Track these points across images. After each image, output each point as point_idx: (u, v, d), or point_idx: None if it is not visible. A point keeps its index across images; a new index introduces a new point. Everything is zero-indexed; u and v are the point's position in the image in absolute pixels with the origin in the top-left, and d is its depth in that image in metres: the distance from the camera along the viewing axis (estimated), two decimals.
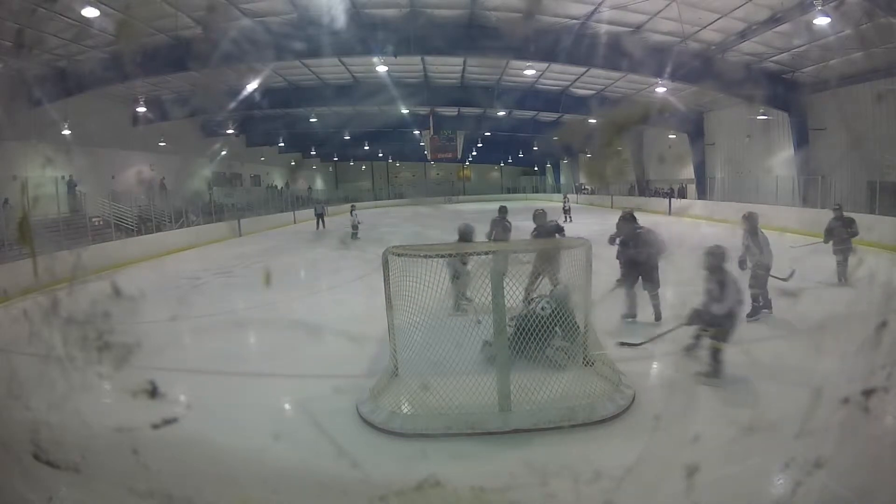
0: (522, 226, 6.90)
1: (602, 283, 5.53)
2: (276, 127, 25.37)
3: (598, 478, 2.80)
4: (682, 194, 23.11)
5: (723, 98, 18.21)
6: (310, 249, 15.54)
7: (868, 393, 2.24)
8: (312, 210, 22.46)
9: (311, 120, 23.53)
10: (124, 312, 5.29)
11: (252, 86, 16.81)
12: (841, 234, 7.59)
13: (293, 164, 35.17)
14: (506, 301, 4.01)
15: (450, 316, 5.36)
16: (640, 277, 6.02)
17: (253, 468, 3.25)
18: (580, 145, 27.78)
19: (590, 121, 21.63)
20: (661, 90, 16.98)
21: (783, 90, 15.49)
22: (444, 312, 4.51)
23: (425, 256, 4.35)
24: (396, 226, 20.67)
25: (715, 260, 4.55)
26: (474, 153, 35.57)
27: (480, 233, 7.10)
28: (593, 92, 20.58)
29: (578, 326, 4.67)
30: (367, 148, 33.11)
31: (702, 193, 21.21)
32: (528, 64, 17.29)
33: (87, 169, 15.95)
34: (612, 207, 24.39)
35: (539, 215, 6.75)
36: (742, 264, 6.01)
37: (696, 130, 21.15)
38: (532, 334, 4.42)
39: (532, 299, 5.08)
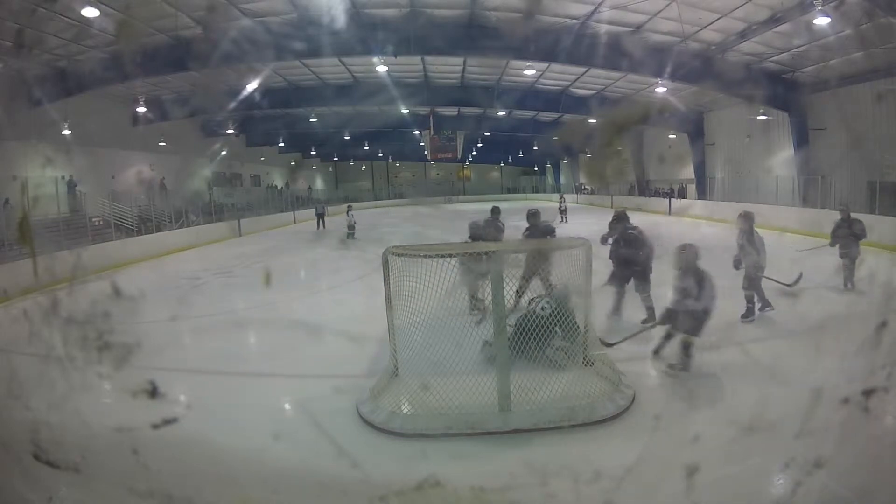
0: (521, 226, 6.87)
1: (601, 283, 5.53)
2: (276, 127, 25.37)
3: (598, 478, 2.80)
4: (682, 194, 23.11)
5: (723, 98, 18.20)
6: (310, 249, 15.54)
7: (868, 393, 2.24)
8: (313, 210, 22.48)
9: (311, 120, 23.53)
10: (124, 312, 5.30)
11: (252, 86, 16.80)
12: (847, 237, 7.22)
13: (293, 164, 35.17)
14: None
15: (467, 316, 5.30)
16: (631, 278, 5.97)
17: (253, 468, 3.25)
18: (580, 145, 27.78)
19: (590, 121, 21.63)
20: (661, 90, 16.98)
21: (783, 90, 15.49)
22: (444, 312, 4.50)
23: (425, 256, 4.35)
24: (396, 226, 20.67)
25: (687, 258, 4.58)
26: (474, 153, 35.56)
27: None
28: (593, 92, 20.57)
29: (578, 326, 4.67)
30: (367, 148, 33.10)
31: (702, 193, 21.21)
32: (528, 64, 17.29)
33: (87, 169, 15.95)
34: (611, 207, 24.34)
35: (533, 215, 6.73)
36: (737, 264, 6.00)
37: (696, 130, 21.15)
38: (532, 334, 4.42)
39: (531, 299, 5.08)
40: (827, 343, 4.76)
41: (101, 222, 15.06)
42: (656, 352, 4.87)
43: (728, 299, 5.99)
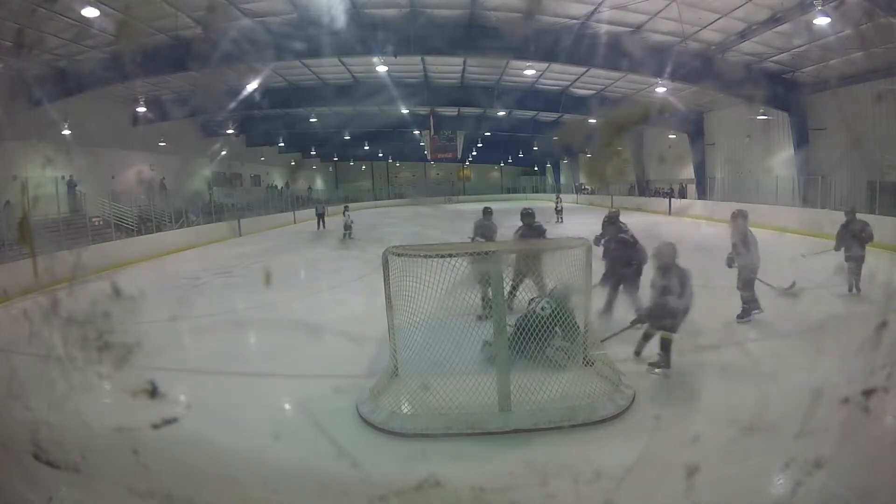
0: (515, 225, 6.84)
1: (593, 283, 5.51)
2: (276, 127, 25.36)
3: (598, 478, 2.80)
4: (683, 194, 23.11)
5: (723, 98, 18.20)
6: (310, 249, 15.55)
7: (868, 393, 2.24)
8: (313, 210, 22.48)
9: (311, 120, 23.52)
10: (124, 312, 5.29)
11: (252, 86, 16.80)
12: (851, 242, 6.93)
13: (293, 164, 35.16)
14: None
15: (467, 316, 5.28)
16: (621, 281, 5.91)
17: (253, 468, 3.25)
18: (580, 145, 27.78)
19: (590, 121, 21.63)
20: (661, 90, 16.97)
21: (783, 90, 15.48)
22: (445, 312, 4.50)
23: (425, 256, 4.35)
24: (396, 226, 20.67)
25: (665, 258, 4.59)
26: (474, 153, 35.54)
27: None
28: (593, 92, 20.57)
29: (578, 326, 4.67)
30: (367, 148, 33.08)
31: (702, 193, 21.20)
32: (528, 64, 17.28)
33: (87, 169, 15.95)
34: (611, 207, 24.33)
35: (527, 215, 6.71)
36: (730, 262, 5.98)
37: (696, 130, 21.15)
38: (532, 334, 4.42)
39: (531, 300, 5.08)
40: (827, 343, 4.76)
41: (101, 222, 15.06)
42: (637, 353, 4.90)
43: (728, 300, 6.02)
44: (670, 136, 23.60)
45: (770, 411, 3.52)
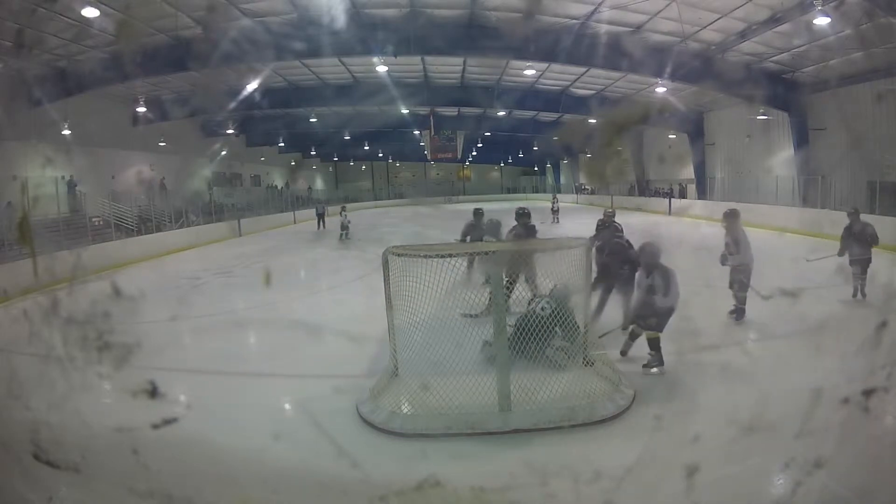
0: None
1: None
2: (276, 127, 25.36)
3: (598, 478, 2.80)
4: (683, 194, 23.12)
5: (723, 98, 18.20)
6: (310, 249, 15.55)
7: (868, 393, 2.24)
8: (313, 210, 22.48)
9: (311, 120, 23.52)
10: (124, 312, 5.29)
11: (252, 86, 16.80)
12: (854, 244, 6.71)
13: (293, 164, 35.15)
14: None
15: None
16: (613, 285, 5.82)
17: (253, 468, 3.25)
18: (580, 145, 27.75)
19: (590, 121, 21.62)
20: (661, 90, 16.98)
21: (783, 90, 15.48)
22: (445, 312, 4.49)
23: (425, 256, 4.35)
24: (396, 226, 20.67)
25: (650, 257, 4.59)
26: (474, 153, 35.55)
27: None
28: (593, 92, 20.57)
29: (578, 326, 4.67)
30: (367, 148, 33.08)
31: (702, 193, 21.21)
32: (528, 64, 17.28)
33: (87, 169, 15.94)
34: (609, 208, 24.30)
35: (521, 214, 6.66)
36: (723, 260, 5.96)
37: (696, 130, 21.16)
38: (532, 334, 4.42)
39: (531, 299, 5.07)
40: (827, 343, 4.75)
41: (101, 222, 15.06)
42: (623, 352, 4.92)
43: (727, 300, 6.02)
44: (670, 136, 23.61)
45: (770, 411, 3.52)
